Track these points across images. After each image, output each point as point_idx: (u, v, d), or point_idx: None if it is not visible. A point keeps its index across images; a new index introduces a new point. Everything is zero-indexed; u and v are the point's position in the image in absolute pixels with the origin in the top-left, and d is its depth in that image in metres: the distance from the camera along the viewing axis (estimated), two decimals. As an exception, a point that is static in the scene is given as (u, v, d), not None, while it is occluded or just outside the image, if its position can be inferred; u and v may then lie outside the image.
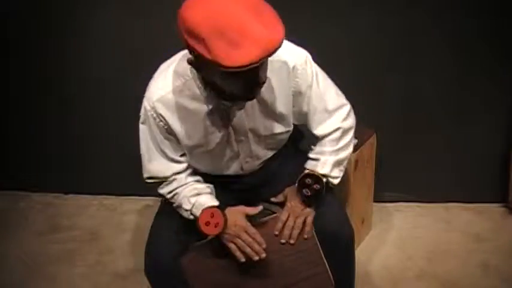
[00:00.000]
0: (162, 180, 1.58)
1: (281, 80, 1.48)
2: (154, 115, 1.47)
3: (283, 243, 1.57)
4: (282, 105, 1.51)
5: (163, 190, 1.59)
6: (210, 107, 1.44)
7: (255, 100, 1.45)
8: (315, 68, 1.53)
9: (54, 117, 2.46)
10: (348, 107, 1.62)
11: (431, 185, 2.42)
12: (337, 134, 1.60)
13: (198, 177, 1.62)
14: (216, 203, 1.55)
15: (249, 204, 1.71)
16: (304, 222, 1.58)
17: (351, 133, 1.64)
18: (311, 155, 1.63)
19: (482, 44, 2.12)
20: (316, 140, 1.63)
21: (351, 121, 1.63)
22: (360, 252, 2.15)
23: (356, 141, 2.03)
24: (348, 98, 1.63)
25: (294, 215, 1.58)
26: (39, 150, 2.54)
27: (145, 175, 1.59)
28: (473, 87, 2.22)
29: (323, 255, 1.59)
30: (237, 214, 1.53)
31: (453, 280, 2.10)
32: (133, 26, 2.19)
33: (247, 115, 1.49)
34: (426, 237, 2.30)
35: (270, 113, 1.52)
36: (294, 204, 1.59)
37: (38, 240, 2.40)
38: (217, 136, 1.51)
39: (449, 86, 2.22)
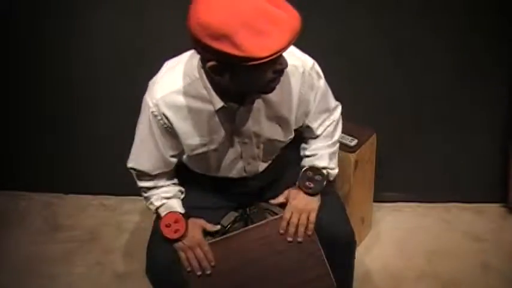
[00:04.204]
0: (143, 174, 1.60)
1: (290, 84, 1.48)
2: (156, 113, 1.46)
3: (290, 242, 1.58)
4: (288, 109, 1.52)
5: (141, 183, 1.63)
6: (217, 107, 1.42)
7: (261, 103, 1.47)
8: (321, 72, 1.55)
9: (54, 117, 2.46)
10: (340, 105, 1.69)
11: (431, 185, 2.43)
12: (332, 128, 1.66)
13: (175, 180, 1.65)
14: (182, 210, 1.60)
15: (246, 206, 1.77)
16: (308, 218, 1.59)
17: (340, 129, 1.71)
18: (307, 153, 1.67)
19: (481, 44, 2.12)
20: (307, 139, 1.68)
21: (341, 119, 1.71)
22: (360, 252, 2.15)
23: (356, 141, 2.04)
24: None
25: (298, 212, 1.59)
26: (39, 150, 2.54)
27: (130, 164, 1.60)
28: (473, 87, 2.22)
29: (325, 258, 1.58)
30: (196, 227, 1.60)
31: (453, 280, 2.10)
32: (133, 26, 2.19)
33: (253, 118, 1.49)
34: (426, 237, 2.30)
35: (275, 117, 1.52)
36: (296, 202, 1.60)
37: (38, 240, 2.40)
38: (220, 136, 1.50)
39: (449, 86, 2.22)
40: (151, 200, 1.63)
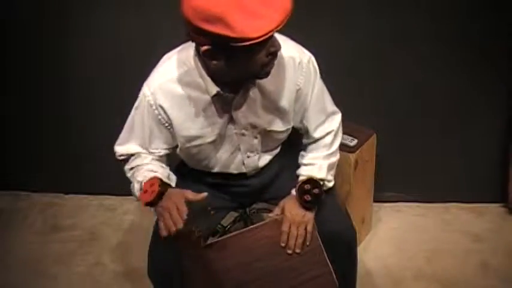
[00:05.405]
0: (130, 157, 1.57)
1: (286, 74, 1.48)
2: (152, 102, 1.46)
3: (290, 254, 1.57)
4: (285, 100, 1.51)
5: (127, 165, 1.59)
6: (212, 94, 1.42)
7: (257, 94, 1.47)
8: (317, 68, 1.55)
9: (54, 117, 2.46)
10: (340, 114, 1.66)
11: (431, 185, 2.43)
12: (330, 137, 1.63)
13: (164, 164, 1.58)
14: (166, 180, 1.50)
15: (246, 207, 1.77)
16: (306, 229, 1.56)
17: (340, 139, 1.68)
18: (304, 161, 1.64)
19: (480, 46, 2.12)
20: (305, 146, 1.66)
21: (341, 129, 1.68)
22: (360, 252, 2.13)
23: (356, 141, 2.04)
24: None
25: (295, 224, 1.56)
26: (39, 150, 2.54)
27: (117, 148, 1.60)
28: (473, 87, 2.22)
29: (326, 256, 1.58)
30: (177, 193, 1.44)
31: (452, 280, 2.11)
32: (132, 26, 2.19)
33: (249, 109, 1.48)
34: (426, 238, 2.30)
35: (272, 107, 1.51)
36: (293, 213, 1.57)
37: (38, 240, 2.40)
38: (217, 127, 1.50)
39: (449, 86, 2.22)
40: (136, 177, 1.51)
